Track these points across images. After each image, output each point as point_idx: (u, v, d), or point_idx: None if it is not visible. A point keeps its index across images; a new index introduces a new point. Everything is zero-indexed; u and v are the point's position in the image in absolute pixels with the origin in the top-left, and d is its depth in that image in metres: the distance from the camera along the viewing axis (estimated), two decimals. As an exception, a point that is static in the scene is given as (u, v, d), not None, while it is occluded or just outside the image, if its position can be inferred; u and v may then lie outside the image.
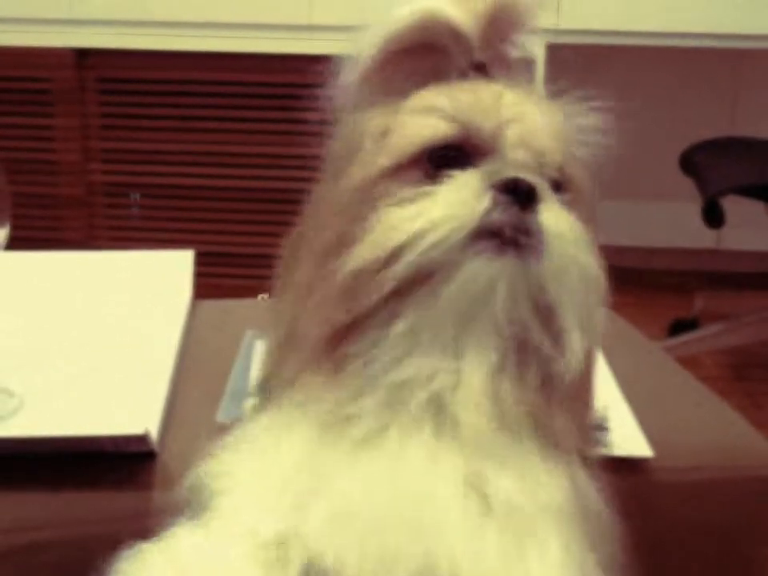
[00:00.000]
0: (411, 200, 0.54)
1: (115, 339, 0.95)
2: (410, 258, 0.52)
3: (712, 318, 2.30)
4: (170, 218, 2.36)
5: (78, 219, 2.37)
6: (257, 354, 0.93)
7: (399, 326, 0.54)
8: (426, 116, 0.56)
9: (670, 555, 0.76)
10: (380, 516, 0.52)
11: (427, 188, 0.54)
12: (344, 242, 0.55)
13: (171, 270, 1.12)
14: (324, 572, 0.52)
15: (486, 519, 0.53)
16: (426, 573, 0.51)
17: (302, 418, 0.56)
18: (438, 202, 0.53)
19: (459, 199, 0.53)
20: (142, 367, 0.88)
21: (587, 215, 0.58)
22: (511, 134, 0.56)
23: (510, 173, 0.53)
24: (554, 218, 0.54)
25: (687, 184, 2.17)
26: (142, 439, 0.73)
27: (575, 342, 0.54)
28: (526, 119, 0.56)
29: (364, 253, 0.53)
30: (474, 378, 0.54)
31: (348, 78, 0.59)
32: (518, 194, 0.53)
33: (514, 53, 0.60)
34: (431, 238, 0.52)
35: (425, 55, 0.58)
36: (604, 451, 0.63)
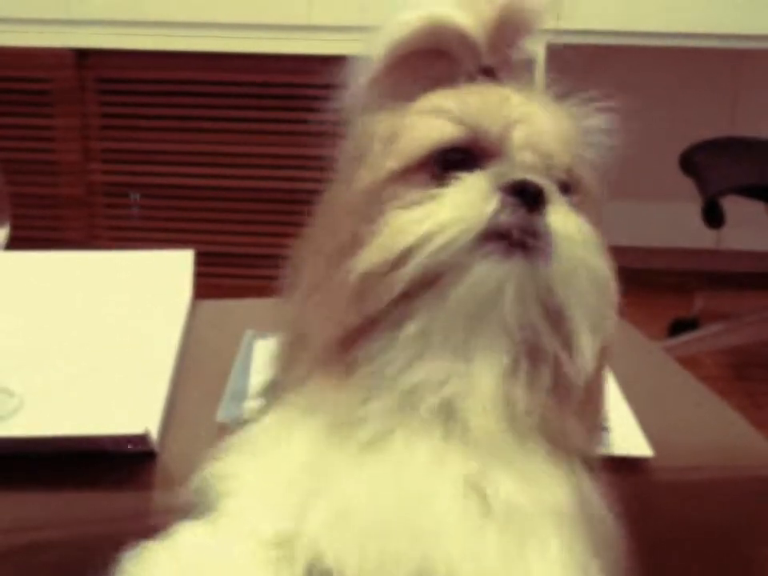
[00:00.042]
0: (419, 202, 0.54)
1: (115, 339, 0.95)
2: (418, 261, 0.52)
3: (712, 318, 2.30)
4: (169, 218, 2.36)
5: (78, 219, 2.37)
6: (257, 354, 0.93)
7: (409, 329, 0.54)
8: (433, 119, 0.56)
9: (670, 555, 0.76)
10: (381, 518, 0.52)
11: (435, 190, 0.54)
12: (353, 245, 0.55)
13: (171, 270, 1.12)
14: (326, 572, 0.52)
15: (486, 520, 0.53)
16: (424, 574, 0.51)
17: (310, 419, 0.56)
18: (445, 204, 0.53)
19: (467, 201, 0.53)
20: (142, 367, 0.88)
21: (596, 217, 0.58)
22: (518, 136, 0.55)
23: (518, 175, 0.53)
24: (562, 219, 0.54)
25: (687, 184, 2.17)
26: (143, 438, 0.73)
27: (586, 345, 0.54)
28: (534, 121, 0.56)
29: (372, 256, 0.53)
30: (485, 382, 0.54)
31: (357, 80, 0.59)
32: (526, 196, 0.53)
33: (521, 56, 0.60)
34: (439, 241, 0.52)
35: (432, 59, 0.58)
36: (604, 451, 0.63)
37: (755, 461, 0.82)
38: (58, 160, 2.33)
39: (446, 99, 0.57)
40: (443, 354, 0.54)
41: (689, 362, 1.10)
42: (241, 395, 0.84)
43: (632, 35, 2.24)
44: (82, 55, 2.26)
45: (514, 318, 0.53)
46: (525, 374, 0.55)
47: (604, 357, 0.57)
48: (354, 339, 0.55)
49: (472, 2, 0.58)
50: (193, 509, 0.57)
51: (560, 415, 0.55)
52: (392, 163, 0.56)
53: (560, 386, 0.55)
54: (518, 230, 0.53)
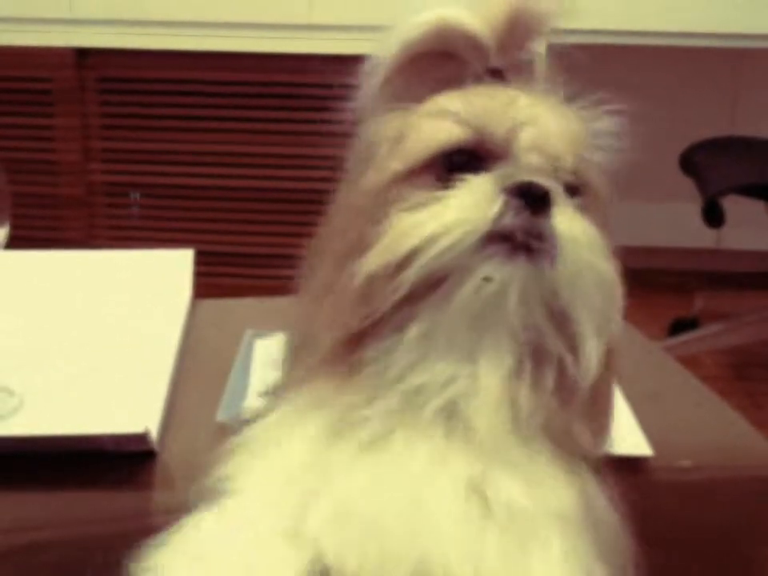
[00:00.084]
0: (424, 204, 0.54)
1: (115, 339, 0.95)
2: (422, 263, 0.52)
3: (712, 318, 2.30)
4: (169, 218, 2.36)
5: (78, 219, 2.36)
6: (257, 354, 0.93)
7: (413, 331, 0.54)
8: (439, 120, 0.56)
9: (670, 555, 0.76)
10: (380, 517, 0.52)
11: (440, 192, 0.54)
12: (359, 246, 0.55)
13: (171, 270, 1.12)
14: (326, 569, 0.52)
15: (486, 522, 0.53)
16: (421, 574, 0.51)
17: (312, 419, 0.56)
18: (450, 206, 0.53)
19: (471, 203, 0.53)
20: (142, 367, 0.88)
21: (602, 219, 0.57)
22: (525, 137, 0.55)
23: (523, 177, 0.53)
24: (567, 222, 0.54)
25: (687, 184, 2.17)
26: (143, 438, 0.73)
27: (591, 347, 0.54)
28: (540, 123, 0.56)
29: (377, 257, 0.54)
30: (489, 383, 0.54)
31: (367, 82, 0.59)
32: (531, 198, 0.53)
33: (529, 57, 0.60)
34: (443, 242, 0.52)
35: (441, 62, 0.58)
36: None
37: (755, 461, 0.82)
38: (58, 160, 2.33)
39: (453, 101, 0.57)
40: (447, 356, 0.54)
41: (689, 362, 1.10)
42: (241, 395, 0.84)
43: (632, 35, 2.24)
44: (83, 55, 2.26)
45: (518, 320, 0.53)
46: (529, 375, 0.55)
47: (610, 359, 0.57)
48: (359, 340, 0.55)
49: (481, 4, 0.58)
50: (195, 509, 0.57)
51: (565, 417, 0.55)
52: (397, 165, 0.56)
53: (565, 388, 0.55)
54: (521, 233, 0.52)
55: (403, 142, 0.57)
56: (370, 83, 0.59)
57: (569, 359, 0.55)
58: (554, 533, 0.53)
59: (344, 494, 0.53)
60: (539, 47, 0.60)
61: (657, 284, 2.64)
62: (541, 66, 0.60)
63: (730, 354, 2.27)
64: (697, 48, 2.33)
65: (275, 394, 0.62)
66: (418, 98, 0.58)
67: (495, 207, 0.53)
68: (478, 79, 0.58)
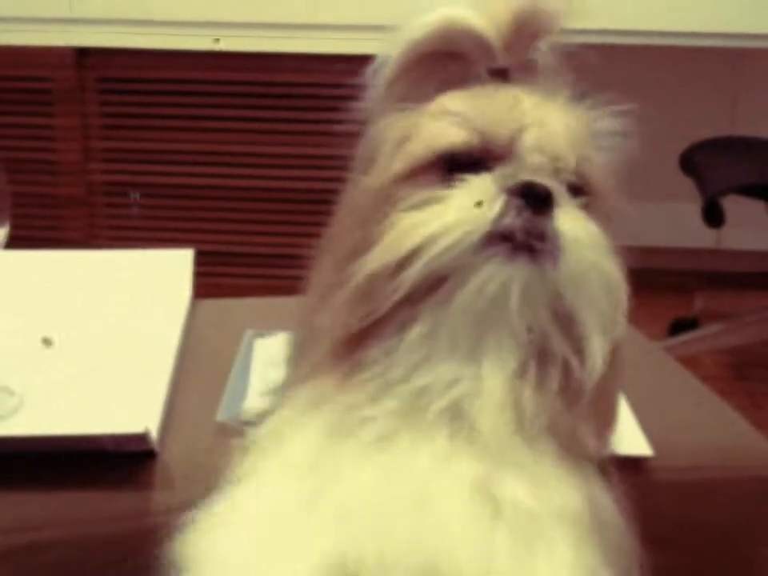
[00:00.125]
0: (425, 204, 0.54)
1: (115, 339, 0.95)
2: (423, 262, 0.52)
3: (712, 318, 2.30)
4: (169, 218, 2.36)
5: (78, 219, 2.36)
6: (257, 354, 0.93)
7: (415, 331, 0.54)
8: (443, 122, 0.56)
9: (670, 555, 0.76)
10: (388, 516, 0.52)
11: (441, 192, 0.54)
12: (361, 245, 0.55)
13: (171, 270, 1.12)
14: (332, 567, 0.52)
15: (495, 522, 0.52)
16: (428, 573, 0.51)
17: (313, 418, 0.56)
18: (451, 206, 0.53)
19: (472, 203, 0.53)
20: (142, 367, 0.88)
21: (606, 219, 0.57)
22: (528, 138, 0.55)
23: (525, 176, 0.53)
24: (570, 222, 0.53)
25: (687, 184, 2.17)
26: (143, 438, 0.73)
27: (595, 348, 0.54)
28: (544, 124, 0.56)
29: (378, 257, 0.54)
30: (493, 384, 0.54)
31: (374, 82, 0.59)
32: (532, 198, 0.52)
33: (535, 57, 0.59)
34: (443, 243, 0.52)
35: (447, 62, 0.58)
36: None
37: (755, 461, 0.82)
38: (58, 160, 2.33)
39: (457, 102, 0.57)
40: (450, 357, 0.54)
41: (689, 362, 1.10)
42: (241, 395, 0.84)
43: (632, 34, 2.24)
44: (83, 54, 2.26)
45: (520, 321, 0.53)
46: (534, 376, 0.54)
47: (615, 360, 0.57)
48: (360, 340, 0.55)
49: (487, 4, 0.58)
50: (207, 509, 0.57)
51: (570, 418, 0.55)
52: (400, 165, 0.56)
53: (570, 389, 0.55)
54: (522, 233, 0.52)
55: (407, 142, 0.57)
56: (375, 83, 0.59)
57: (573, 360, 0.54)
58: (559, 534, 0.53)
59: (350, 493, 0.53)
60: (544, 47, 0.60)
61: (657, 284, 2.64)
62: (546, 65, 0.60)
63: (730, 354, 2.27)
64: (697, 48, 2.33)
65: (281, 392, 0.62)
66: (424, 97, 0.58)
67: (496, 207, 0.53)
68: (484, 79, 0.58)
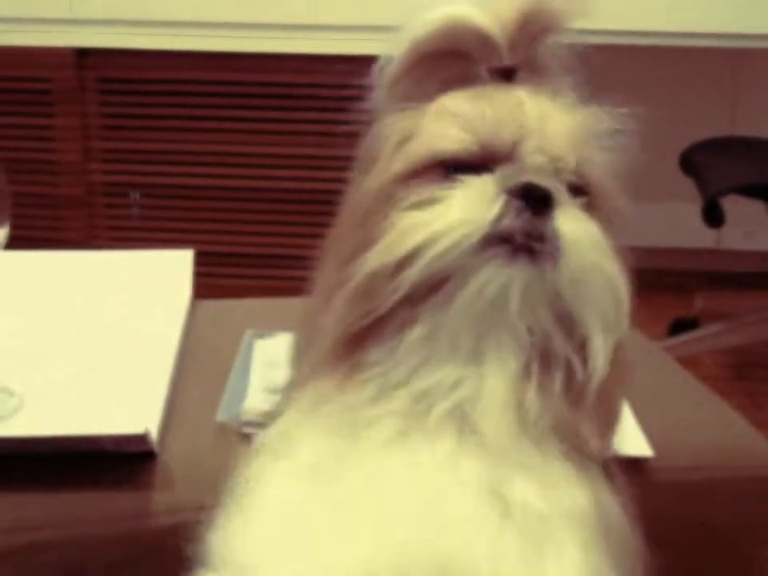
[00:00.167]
0: (425, 204, 0.54)
1: (115, 339, 0.95)
2: (422, 263, 0.52)
3: (712, 318, 2.30)
4: (169, 218, 2.36)
5: (78, 219, 2.36)
6: (257, 354, 0.93)
7: (415, 333, 0.54)
8: (444, 123, 0.56)
9: (670, 555, 0.76)
10: (398, 516, 0.52)
11: (441, 192, 0.54)
12: (362, 246, 0.55)
13: (171, 270, 1.12)
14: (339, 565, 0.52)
15: (504, 523, 0.52)
16: (439, 573, 0.51)
17: (314, 420, 0.56)
18: (451, 206, 0.53)
19: (471, 204, 0.53)
20: (142, 367, 0.88)
21: (608, 220, 0.57)
22: (529, 140, 0.55)
23: (525, 178, 0.53)
24: (570, 223, 0.53)
25: (687, 184, 2.17)
26: (142, 438, 0.73)
27: (598, 349, 0.54)
28: (546, 124, 0.56)
29: (378, 257, 0.53)
30: (495, 386, 0.54)
31: (375, 81, 0.59)
32: (532, 199, 0.52)
33: (539, 57, 0.59)
34: (443, 244, 0.52)
35: (451, 60, 0.58)
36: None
37: (755, 461, 0.82)
38: (58, 160, 2.33)
39: (459, 102, 0.57)
40: (451, 359, 0.54)
41: (689, 362, 1.10)
42: (241, 395, 0.84)
43: (632, 35, 2.24)
44: (83, 55, 2.26)
45: (521, 322, 0.53)
46: (536, 377, 0.54)
47: (618, 360, 0.57)
48: (360, 341, 0.55)
49: (492, 2, 0.57)
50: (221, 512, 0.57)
51: (574, 419, 0.55)
52: (400, 165, 0.56)
53: (573, 390, 0.55)
54: (521, 234, 0.52)
55: (408, 142, 0.57)
56: (378, 83, 0.59)
57: (576, 361, 0.54)
58: (568, 535, 0.53)
59: (357, 494, 0.53)
60: (548, 46, 0.60)
61: (657, 284, 2.64)
62: (549, 65, 0.60)
63: (730, 354, 2.27)
64: (697, 48, 2.33)
65: (287, 393, 0.62)
66: (426, 97, 0.58)
67: (495, 208, 0.52)
68: (488, 78, 0.58)
